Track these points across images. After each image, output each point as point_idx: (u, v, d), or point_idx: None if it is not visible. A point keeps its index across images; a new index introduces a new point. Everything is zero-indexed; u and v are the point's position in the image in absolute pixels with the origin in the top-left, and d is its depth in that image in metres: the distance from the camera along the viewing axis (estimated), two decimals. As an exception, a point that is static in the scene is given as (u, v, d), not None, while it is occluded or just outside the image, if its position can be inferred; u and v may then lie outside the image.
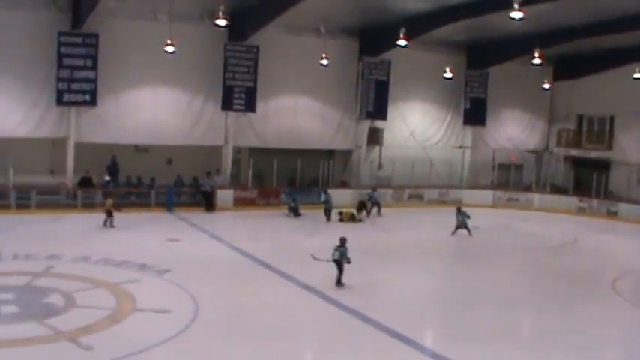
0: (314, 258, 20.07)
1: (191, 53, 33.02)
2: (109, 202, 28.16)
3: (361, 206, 33.62)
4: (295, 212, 32.74)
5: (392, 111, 39.15)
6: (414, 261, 24.81)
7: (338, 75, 36.99)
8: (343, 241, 19.87)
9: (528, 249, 28.22)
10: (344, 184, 38.68)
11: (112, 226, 27.41)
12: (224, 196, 33.88)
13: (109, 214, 27.51)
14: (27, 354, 13.31)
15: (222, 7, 28.30)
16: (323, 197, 32.97)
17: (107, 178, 32.73)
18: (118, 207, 28.40)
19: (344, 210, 32.59)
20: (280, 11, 31.73)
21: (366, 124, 38.90)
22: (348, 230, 29.61)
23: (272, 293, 18.72)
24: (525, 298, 20.27)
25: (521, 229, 33.23)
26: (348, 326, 16.18)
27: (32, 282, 18.27)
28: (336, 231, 29.20)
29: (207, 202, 33.13)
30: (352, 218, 32.19)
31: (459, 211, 29.88)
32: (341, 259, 19.56)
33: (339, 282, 19.54)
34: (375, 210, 34.58)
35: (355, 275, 20.42)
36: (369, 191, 35.52)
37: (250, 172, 35.22)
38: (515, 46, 37.18)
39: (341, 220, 31.69)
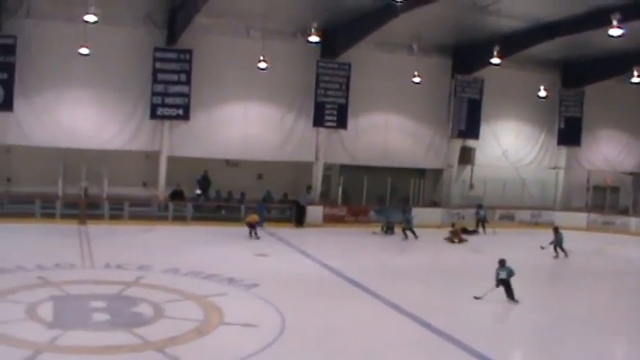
0: (477, 298, 19.86)
1: (283, 70, 33.33)
2: (252, 217, 29.65)
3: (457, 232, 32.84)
4: (390, 230, 32.41)
5: (484, 130, 38.75)
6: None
7: (430, 93, 36.72)
8: (504, 262, 20.09)
9: (625, 274, 27.17)
10: (434, 204, 38.29)
11: (256, 237, 28.86)
12: (313, 212, 33.92)
13: (251, 226, 29.00)
14: (116, 362, 13.48)
15: (314, 24, 28.42)
16: (404, 215, 32.56)
17: (198, 191, 33.15)
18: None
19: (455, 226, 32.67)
20: (373, 28, 31.75)
21: (458, 143, 38.54)
22: (437, 249, 29.51)
23: (359, 311, 18.49)
24: (622, 325, 19.45)
25: (617, 253, 32.13)
26: (437, 347, 15.82)
27: (123, 291, 18.51)
28: (425, 249, 29.24)
29: (298, 216, 33.13)
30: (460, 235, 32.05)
31: (556, 231, 29.07)
32: (508, 277, 19.82)
33: (512, 298, 19.86)
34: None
35: (444, 295, 20.15)
36: (477, 210, 35.60)
37: (340, 189, 35.17)
38: (613, 63, 35.97)
39: (452, 240, 31.49)
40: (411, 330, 16.94)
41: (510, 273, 19.91)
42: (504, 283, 19.88)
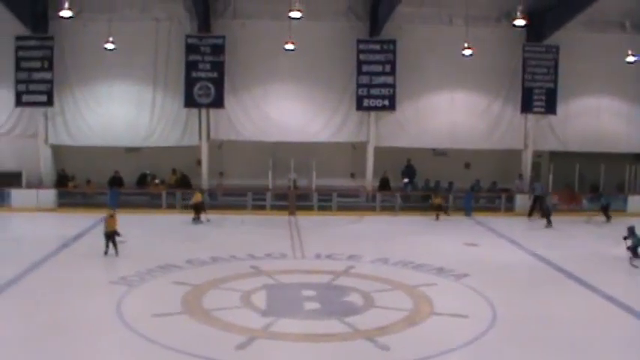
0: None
1: (488, 56, 32.55)
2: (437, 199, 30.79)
3: None
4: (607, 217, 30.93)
5: None
6: None
7: (647, 72, 34.56)
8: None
9: None
10: (653, 190, 36.17)
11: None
12: (522, 201, 32.91)
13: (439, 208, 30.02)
14: (327, 349, 13.50)
15: (520, 7, 27.53)
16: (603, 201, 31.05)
17: (406, 180, 33.06)
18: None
19: None
20: (582, 8, 30.19)
21: (680, 125, 35.99)
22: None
23: (573, 303, 17.59)
24: None
25: None
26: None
27: (333, 281, 18.67)
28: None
29: (537, 206, 31.87)
30: None
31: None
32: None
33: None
34: None
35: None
36: None
37: (551, 176, 33.91)
38: None
39: None
40: (629, 326, 15.90)
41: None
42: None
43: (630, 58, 31.82)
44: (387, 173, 33.37)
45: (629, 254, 22.03)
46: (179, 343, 13.20)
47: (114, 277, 18.36)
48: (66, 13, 25.56)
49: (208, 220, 28.24)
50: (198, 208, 28.39)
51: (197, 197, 28.77)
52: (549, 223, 29.29)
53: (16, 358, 12.53)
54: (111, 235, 20.44)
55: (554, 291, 18.77)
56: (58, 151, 33.05)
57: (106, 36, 29.55)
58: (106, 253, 20.41)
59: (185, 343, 13.21)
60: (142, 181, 33.03)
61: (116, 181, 32.40)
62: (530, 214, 31.78)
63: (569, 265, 21.28)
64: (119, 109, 32.37)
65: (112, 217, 20.57)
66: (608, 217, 30.59)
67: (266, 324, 14.54)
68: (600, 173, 34.04)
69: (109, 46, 29.67)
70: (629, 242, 22.20)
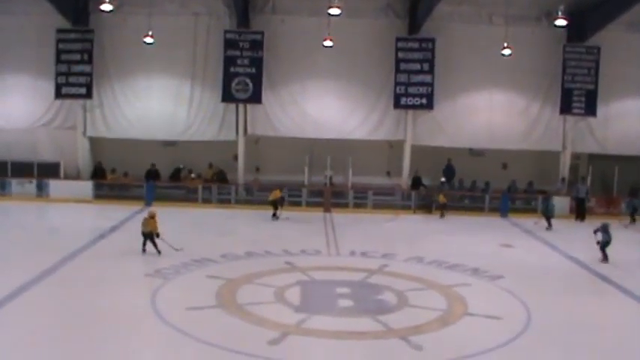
0: None
1: (527, 56, 32.35)
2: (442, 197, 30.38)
3: None
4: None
5: None
6: None
7: (693, 74, 33.97)
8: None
9: None
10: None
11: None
12: (561, 204, 32.57)
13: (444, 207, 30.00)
14: (360, 347, 13.49)
15: (561, 7, 27.31)
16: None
17: (442, 179, 32.94)
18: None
19: None
20: (625, 8, 29.79)
21: None
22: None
23: (609, 308, 17.40)
24: None
25: None
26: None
27: (367, 279, 18.66)
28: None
29: (579, 209, 31.83)
30: None
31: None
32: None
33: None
34: None
35: None
36: None
37: (589, 179, 33.56)
38: None
39: None
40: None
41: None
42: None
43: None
44: (418, 172, 33.20)
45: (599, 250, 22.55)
46: (212, 336, 13.28)
47: (149, 270, 18.51)
48: (106, 7, 25.82)
49: (287, 218, 28.38)
50: (276, 205, 28.50)
51: (275, 194, 28.88)
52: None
53: (51, 346, 12.65)
54: (149, 236, 20.17)
55: (590, 295, 18.61)
56: (95, 143, 33.39)
57: (145, 30, 29.75)
58: (143, 251, 20.27)
59: (218, 337, 13.30)
60: (176, 175, 33.16)
61: (152, 175, 32.60)
62: (577, 217, 31.50)
63: (606, 270, 21.08)
64: (157, 103, 32.62)
65: (152, 218, 20.23)
66: (634, 220, 30.27)
67: (299, 320, 14.56)
68: (640, 176, 33.72)
69: (149, 40, 29.85)
70: (599, 237, 22.44)
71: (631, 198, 32.46)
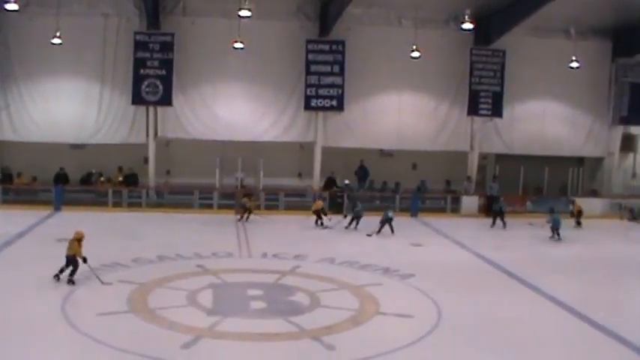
0: None
1: (436, 58, 32.95)
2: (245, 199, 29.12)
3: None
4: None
5: (648, 116, 36.69)
6: None
7: (589, 78, 35.09)
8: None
9: None
10: (594, 193, 36.80)
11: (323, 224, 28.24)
12: (468, 202, 33.31)
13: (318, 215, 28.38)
14: (273, 348, 13.53)
15: (467, 11, 27.88)
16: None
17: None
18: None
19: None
20: (528, 13, 30.72)
21: (619, 130, 36.60)
22: (597, 240, 28.40)
23: (517, 304, 17.84)
24: None
25: None
26: (597, 344, 14.97)
27: (279, 280, 18.71)
28: (585, 240, 28.16)
29: (491, 207, 32.18)
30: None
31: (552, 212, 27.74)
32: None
33: None
34: None
35: (606, 289, 19.49)
36: None
37: (497, 179, 34.33)
38: None
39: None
40: (570, 324, 16.20)
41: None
42: None
43: (574, 64, 32.33)
44: (334, 174, 33.42)
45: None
46: (124, 341, 13.13)
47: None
48: (12, 7, 25.09)
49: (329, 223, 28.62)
50: (319, 214, 28.55)
51: (318, 204, 29.16)
52: (504, 224, 29.94)
53: (-44, 357, 12.34)
54: (72, 260, 17.56)
55: (498, 292, 19.01)
56: (1, 146, 32.48)
57: (53, 31, 29.11)
58: (57, 277, 17.55)
59: (130, 342, 13.15)
60: (88, 180, 32.58)
61: (61, 178, 31.89)
62: (487, 214, 32.08)
63: (513, 267, 21.65)
64: (66, 105, 31.88)
65: (78, 240, 17.63)
66: (504, 223, 30.41)
67: (212, 323, 14.53)
68: (544, 176, 34.64)
69: (56, 41, 29.23)
70: (549, 220, 24.87)
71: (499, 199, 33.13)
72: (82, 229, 18.08)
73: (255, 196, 30.21)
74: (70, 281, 17.43)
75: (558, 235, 27.23)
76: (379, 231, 26.75)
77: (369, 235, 26.35)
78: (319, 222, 28.32)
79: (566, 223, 28.63)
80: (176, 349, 12.94)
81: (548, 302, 17.94)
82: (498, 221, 29.91)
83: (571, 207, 31.99)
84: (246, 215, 28.54)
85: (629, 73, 35.74)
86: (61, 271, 17.55)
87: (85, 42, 31.25)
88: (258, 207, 29.01)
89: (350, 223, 27.70)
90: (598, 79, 35.79)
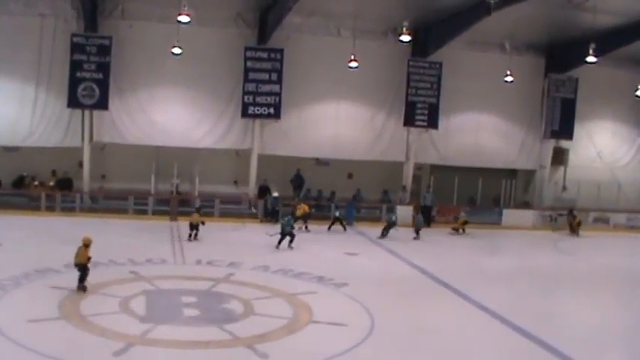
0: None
1: (374, 69, 33.30)
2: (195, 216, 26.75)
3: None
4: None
5: (578, 130, 37.63)
6: (596, 288, 23.11)
7: (522, 92, 36.01)
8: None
9: None
10: (526, 205, 37.55)
11: (195, 239, 26.16)
12: (404, 212, 33.59)
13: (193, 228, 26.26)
14: (206, 356, 13.54)
15: (405, 23, 28.23)
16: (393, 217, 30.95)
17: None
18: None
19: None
20: (464, 27, 31.37)
21: (551, 144, 37.62)
22: (526, 251, 28.99)
23: (448, 312, 18.19)
24: None
25: None
26: (526, 351, 15.37)
27: (213, 287, 18.68)
28: (514, 251, 28.74)
29: (427, 217, 32.77)
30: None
31: None
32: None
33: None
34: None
35: (534, 298, 19.91)
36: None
37: (431, 189, 34.76)
38: None
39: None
40: (501, 333, 16.55)
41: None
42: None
43: (508, 78, 32.94)
44: (267, 181, 33.44)
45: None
46: (55, 349, 12.99)
47: (-13, 281, 17.80)
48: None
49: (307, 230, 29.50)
50: (305, 219, 28.96)
51: (304, 208, 29.83)
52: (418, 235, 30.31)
53: None
54: (82, 267, 17.43)
55: (430, 300, 19.34)
56: None
57: (-13, 30, 28.66)
58: (82, 288, 17.38)
59: (62, 350, 13.03)
60: (20, 183, 32.07)
61: (-7, 181, 31.41)
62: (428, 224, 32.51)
63: (446, 276, 21.99)
64: (-1, 106, 31.34)
65: (86, 247, 17.51)
66: (345, 228, 30.96)
67: (144, 330, 14.45)
68: (478, 187, 35.19)
69: (-9, 40, 28.79)
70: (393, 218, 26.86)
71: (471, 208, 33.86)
72: (88, 234, 17.97)
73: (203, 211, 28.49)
74: (82, 288, 17.28)
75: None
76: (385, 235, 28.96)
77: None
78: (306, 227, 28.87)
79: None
80: (108, 356, 12.83)
81: (478, 311, 18.30)
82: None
83: (571, 219, 34.11)
84: (193, 233, 26.40)
85: (560, 88, 36.73)
86: (81, 280, 17.40)
87: (20, 42, 30.73)
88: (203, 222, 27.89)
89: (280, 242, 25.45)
90: (531, 94, 36.73)
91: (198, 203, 30.90)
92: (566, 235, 33.89)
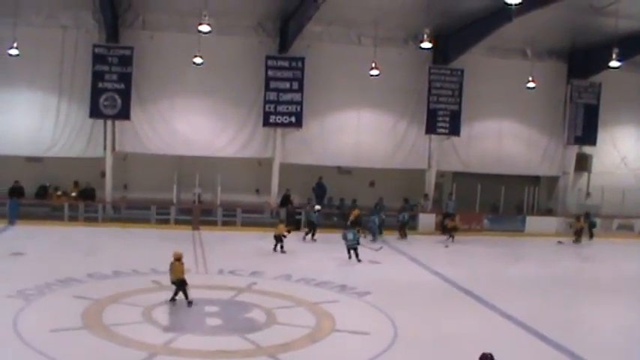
0: None
1: (395, 76, 33.17)
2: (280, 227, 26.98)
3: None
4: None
5: (601, 136, 37.31)
6: (621, 295, 22.65)
7: (545, 98, 35.76)
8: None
9: None
10: (549, 212, 37.30)
11: (282, 251, 26.32)
12: (426, 220, 33.49)
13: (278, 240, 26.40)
14: (228, 367, 13.54)
15: (427, 31, 28.12)
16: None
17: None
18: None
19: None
20: (486, 33, 31.15)
21: (574, 150, 37.35)
22: (550, 258, 28.76)
23: (472, 321, 18.02)
24: None
25: None
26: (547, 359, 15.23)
27: (236, 297, 18.69)
28: (538, 258, 28.51)
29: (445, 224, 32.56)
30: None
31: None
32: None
33: None
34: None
35: (559, 306, 19.67)
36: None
37: (454, 196, 34.60)
38: None
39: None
40: (525, 342, 16.38)
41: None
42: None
43: (530, 85, 32.76)
44: (289, 191, 33.38)
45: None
46: (78, 358, 13.02)
47: (11, 291, 17.72)
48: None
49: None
50: (355, 224, 28.45)
51: (355, 213, 29.84)
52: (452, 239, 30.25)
53: None
54: (179, 284, 17.61)
55: (454, 309, 19.19)
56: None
57: (10, 41, 28.80)
58: (173, 300, 17.65)
59: (84, 359, 13.01)
60: (43, 193, 32.22)
61: (16, 192, 31.52)
62: (443, 231, 32.25)
63: (469, 284, 21.82)
64: (22, 117, 31.38)
65: (178, 260, 17.80)
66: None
67: (167, 340, 14.46)
68: (501, 194, 34.98)
69: (13, 52, 28.92)
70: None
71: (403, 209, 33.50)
72: (178, 249, 18.26)
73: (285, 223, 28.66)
74: (189, 303, 17.40)
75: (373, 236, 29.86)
76: (404, 236, 30.37)
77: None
78: (280, 246, 26.72)
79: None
80: (131, 366, 12.85)
81: (502, 319, 18.14)
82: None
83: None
84: (279, 245, 26.37)
85: (583, 94, 36.46)
86: (175, 295, 17.61)
87: (42, 54, 30.89)
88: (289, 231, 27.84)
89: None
90: (553, 100, 36.46)
91: (282, 214, 31.62)
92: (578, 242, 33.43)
